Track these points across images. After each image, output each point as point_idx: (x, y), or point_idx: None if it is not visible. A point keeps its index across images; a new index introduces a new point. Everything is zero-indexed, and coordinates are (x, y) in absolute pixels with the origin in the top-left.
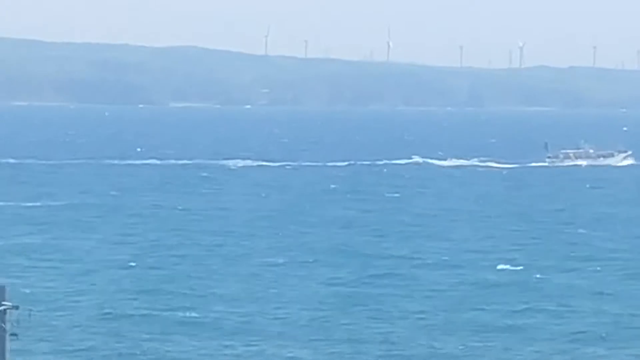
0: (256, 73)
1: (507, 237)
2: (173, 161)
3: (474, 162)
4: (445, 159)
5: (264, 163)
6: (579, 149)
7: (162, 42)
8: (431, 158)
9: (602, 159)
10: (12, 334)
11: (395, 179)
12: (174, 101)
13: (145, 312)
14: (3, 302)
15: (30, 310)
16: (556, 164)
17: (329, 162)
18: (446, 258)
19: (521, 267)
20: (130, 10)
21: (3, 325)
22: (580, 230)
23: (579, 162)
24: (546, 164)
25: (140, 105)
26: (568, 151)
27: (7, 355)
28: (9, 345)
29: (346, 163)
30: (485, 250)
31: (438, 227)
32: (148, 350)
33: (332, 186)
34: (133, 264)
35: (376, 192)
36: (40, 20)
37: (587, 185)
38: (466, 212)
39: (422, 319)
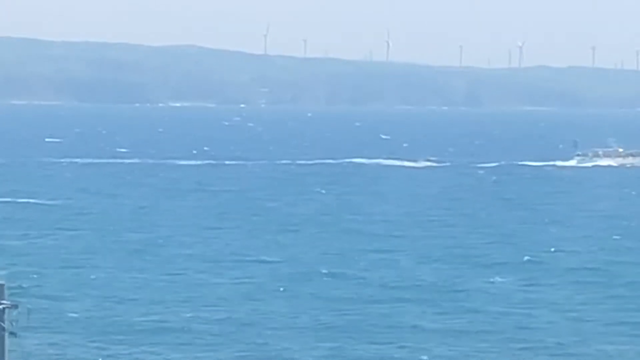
0: (255, 72)
1: (450, 238)
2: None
3: (447, 162)
4: (415, 160)
5: (232, 162)
6: (608, 147)
7: (160, 41)
8: (401, 159)
9: (631, 157)
10: (10, 333)
11: (355, 177)
12: (172, 100)
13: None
14: (2, 301)
15: (29, 309)
16: (585, 162)
17: (300, 160)
18: (384, 257)
19: (451, 270)
20: (129, 9)
21: (2, 324)
22: (532, 234)
23: (608, 161)
24: (574, 162)
25: (137, 104)
26: (597, 150)
27: (6, 354)
28: (7, 343)
29: (314, 162)
30: (419, 251)
31: (380, 226)
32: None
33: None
34: (115, 264)
35: (318, 190)
36: (39, 19)
37: (560, 185)
38: (417, 213)
39: (355, 319)
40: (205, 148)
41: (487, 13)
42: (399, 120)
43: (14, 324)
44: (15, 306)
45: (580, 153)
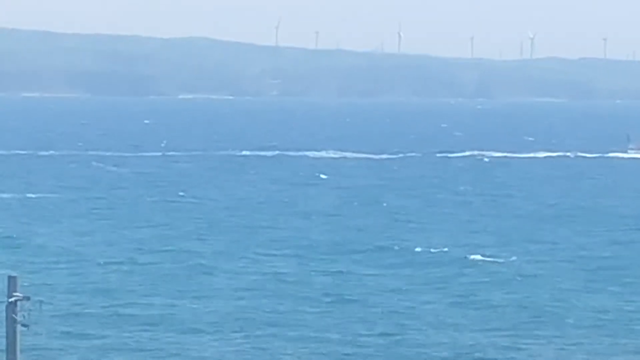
0: (266, 64)
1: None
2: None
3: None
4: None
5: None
6: None
7: (172, 34)
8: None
9: None
10: (23, 325)
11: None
12: (184, 93)
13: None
14: (14, 293)
15: (41, 301)
16: (637, 155)
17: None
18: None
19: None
20: (141, 2)
21: (14, 316)
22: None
23: None
24: (627, 155)
25: (152, 97)
26: None
27: (18, 345)
28: (19, 335)
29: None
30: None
31: (260, 217)
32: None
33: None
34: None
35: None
36: (50, 11)
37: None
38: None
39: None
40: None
41: (498, 5)
42: (397, 113)
43: (25, 316)
44: (28, 298)
45: (633, 147)
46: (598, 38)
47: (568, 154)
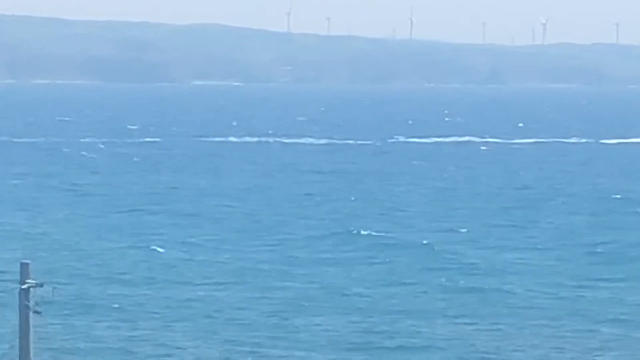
0: (278, 51)
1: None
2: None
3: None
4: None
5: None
6: None
7: (183, 20)
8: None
9: None
10: (35, 312)
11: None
12: (195, 79)
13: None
14: (27, 280)
15: (54, 287)
16: None
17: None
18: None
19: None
20: None
21: (27, 302)
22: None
23: None
24: None
25: (165, 83)
26: None
27: (31, 332)
28: (32, 322)
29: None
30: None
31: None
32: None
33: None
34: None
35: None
36: None
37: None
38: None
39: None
40: (131, 127)
41: None
42: (400, 99)
43: (38, 303)
44: (41, 285)
45: None
46: (610, 23)
47: (573, 140)
